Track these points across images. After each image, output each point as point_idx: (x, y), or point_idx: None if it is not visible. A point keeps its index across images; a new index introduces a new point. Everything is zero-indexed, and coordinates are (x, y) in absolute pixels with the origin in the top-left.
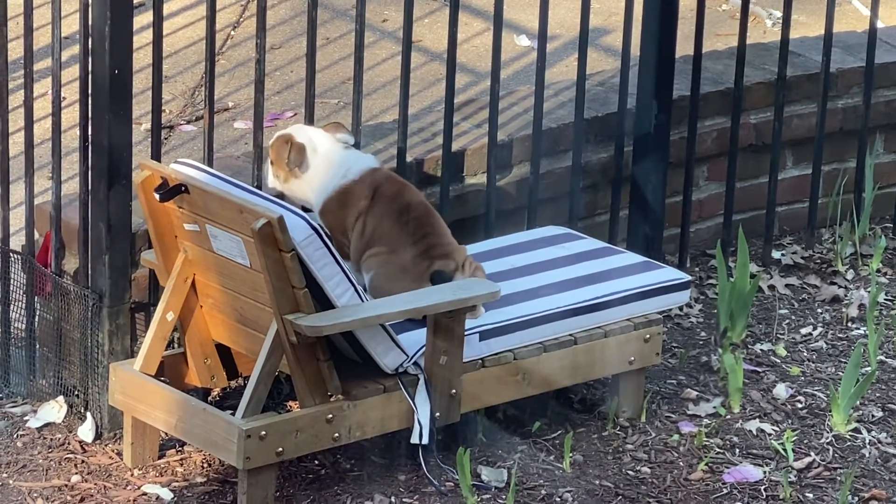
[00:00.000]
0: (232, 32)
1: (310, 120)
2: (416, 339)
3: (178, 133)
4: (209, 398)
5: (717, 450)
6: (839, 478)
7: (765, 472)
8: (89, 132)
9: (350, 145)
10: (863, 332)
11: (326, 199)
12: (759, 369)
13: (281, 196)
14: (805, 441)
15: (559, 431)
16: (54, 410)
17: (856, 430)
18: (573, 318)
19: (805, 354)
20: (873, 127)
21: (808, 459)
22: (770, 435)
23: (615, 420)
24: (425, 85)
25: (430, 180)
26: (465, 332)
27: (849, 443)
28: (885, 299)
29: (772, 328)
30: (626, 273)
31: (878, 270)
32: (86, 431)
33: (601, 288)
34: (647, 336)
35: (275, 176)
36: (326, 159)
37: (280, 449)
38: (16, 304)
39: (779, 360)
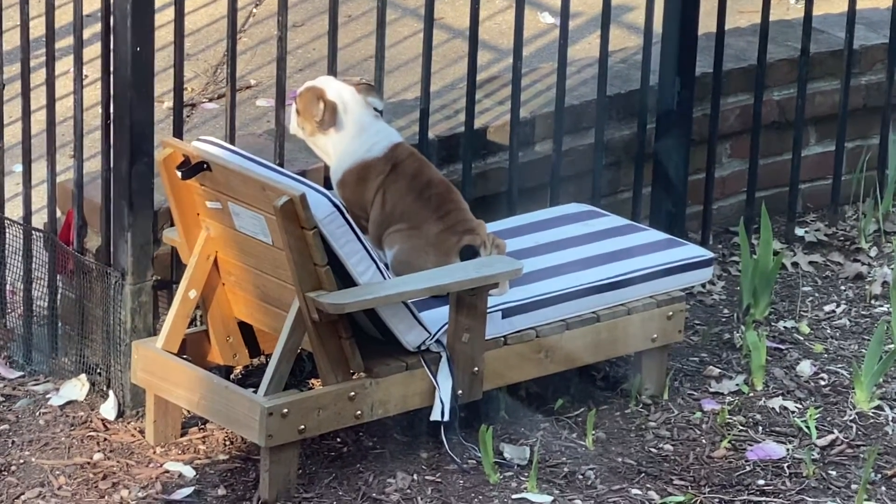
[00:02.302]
0: (254, 10)
1: None
2: (438, 316)
3: (200, 111)
4: (231, 376)
5: (740, 427)
6: (862, 455)
7: (788, 450)
8: (111, 110)
9: (378, 111)
10: (886, 310)
11: (346, 172)
12: (781, 346)
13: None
14: (828, 418)
15: (582, 409)
16: (76, 388)
17: (879, 407)
18: (596, 296)
19: (828, 332)
20: None
21: (831, 437)
22: (793, 412)
23: (638, 397)
24: (447, 62)
25: (453, 157)
26: (488, 310)
27: (872, 420)
28: None
29: (795, 305)
30: (648, 250)
31: None
32: (108, 409)
33: (624, 265)
34: (670, 313)
35: (299, 126)
36: (355, 124)
37: (302, 426)
38: (38, 281)
39: (802, 338)
